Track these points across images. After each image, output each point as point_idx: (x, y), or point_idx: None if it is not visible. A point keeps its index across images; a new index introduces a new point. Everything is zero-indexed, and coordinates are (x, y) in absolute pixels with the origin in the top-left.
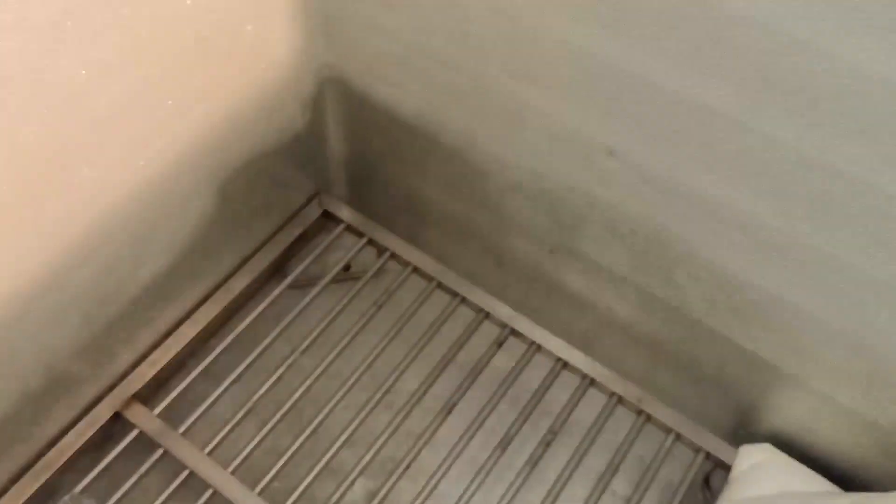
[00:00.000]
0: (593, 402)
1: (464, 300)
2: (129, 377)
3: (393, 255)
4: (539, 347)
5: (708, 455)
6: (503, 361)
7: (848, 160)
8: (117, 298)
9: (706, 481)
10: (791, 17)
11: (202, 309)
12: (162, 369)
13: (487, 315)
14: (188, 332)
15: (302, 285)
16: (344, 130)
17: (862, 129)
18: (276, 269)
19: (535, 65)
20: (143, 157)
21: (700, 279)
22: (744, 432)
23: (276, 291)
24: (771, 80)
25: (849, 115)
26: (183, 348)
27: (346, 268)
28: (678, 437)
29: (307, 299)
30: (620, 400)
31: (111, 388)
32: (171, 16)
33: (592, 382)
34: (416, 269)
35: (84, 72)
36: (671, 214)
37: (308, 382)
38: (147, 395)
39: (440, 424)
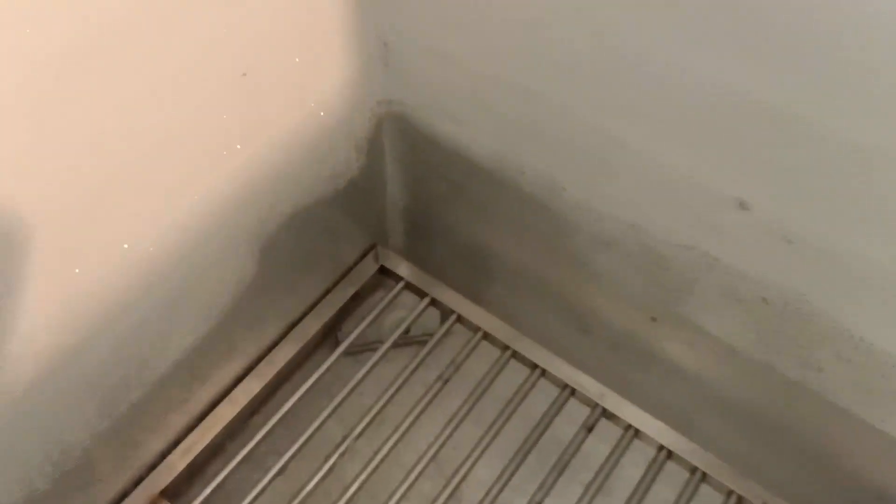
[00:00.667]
0: (707, 502)
1: (544, 373)
2: (158, 469)
3: (459, 318)
4: (637, 432)
5: None
6: (595, 448)
7: None
8: (142, 379)
9: None
10: None
11: (242, 385)
12: (197, 456)
13: (573, 392)
14: (225, 413)
15: (357, 352)
16: (404, 175)
17: None
18: (327, 334)
19: (639, 97)
20: (174, 208)
21: (852, 362)
22: None
23: (328, 361)
24: None
25: None
26: (219, 432)
27: (407, 331)
28: None
29: (363, 370)
30: (740, 501)
31: (136, 482)
32: (205, 46)
33: (704, 477)
34: (486, 335)
35: (105, 111)
36: (819, 282)
37: (364, 474)
38: (178, 489)
39: None
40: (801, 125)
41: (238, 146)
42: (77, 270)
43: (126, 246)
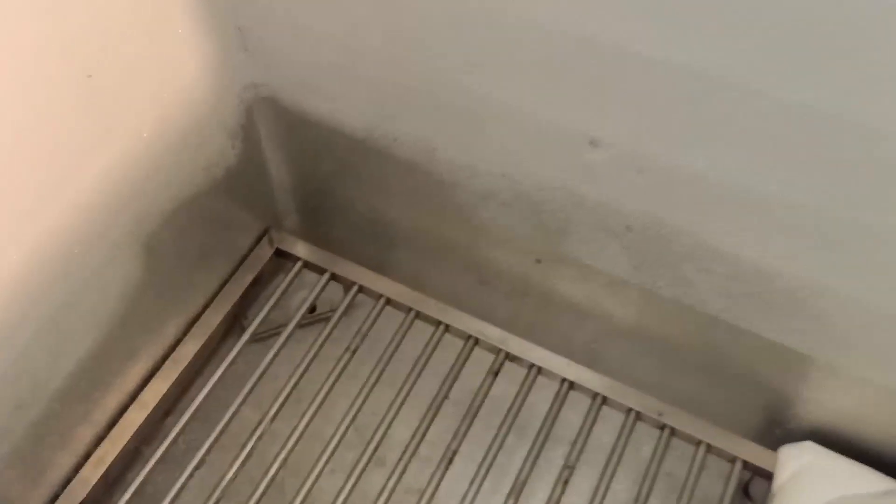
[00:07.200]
0: (609, 423)
1: (448, 328)
2: (71, 485)
3: (361, 289)
4: (540, 370)
5: (745, 463)
6: (503, 390)
7: (882, 115)
8: (36, 397)
9: (745, 491)
10: None
11: (149, 387)
12: (111, 466)
13: (477, 341)
14: (135, 418)
15: (264, 337)
16: (284, 156)
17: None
18: (232, 324)
19: (494, 54)
20: (40, 219)
21: (712, 272)
22: (780, 432)
23: (235, 350)
24: (777, 37)
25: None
26: (132, 437)
27: (312, 309)
28: (709, 448)
29: (272, 353)
30: (639, 416)
31: (51, 501)
32: (42, 50)
33: (605, 401)
34: (389, 301)
35: None
36: (671, 205)
37: (285, 452)
38: (97, 501)
39: (443, 476)
40: (630, 59)
41: (97, 148)
42: None
43: None
